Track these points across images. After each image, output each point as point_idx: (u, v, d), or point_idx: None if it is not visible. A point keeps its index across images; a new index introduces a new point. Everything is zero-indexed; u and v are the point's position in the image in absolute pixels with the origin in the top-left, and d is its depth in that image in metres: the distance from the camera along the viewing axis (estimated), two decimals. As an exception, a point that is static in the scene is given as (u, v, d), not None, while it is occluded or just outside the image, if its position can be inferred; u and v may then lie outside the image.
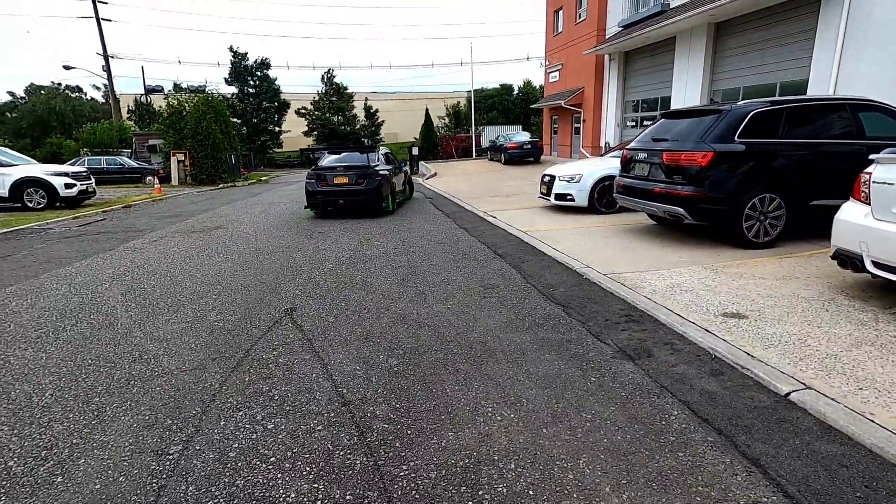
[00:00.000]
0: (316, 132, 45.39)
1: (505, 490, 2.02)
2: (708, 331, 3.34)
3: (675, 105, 15.57)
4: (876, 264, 3.50)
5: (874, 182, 3.56)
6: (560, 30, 24.20)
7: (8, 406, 2.79)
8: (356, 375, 3.05)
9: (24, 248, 7.64)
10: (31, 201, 12.56)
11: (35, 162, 14.09)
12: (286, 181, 25.35)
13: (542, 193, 9.50)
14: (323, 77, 44.45)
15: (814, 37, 10.87)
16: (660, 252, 5.66)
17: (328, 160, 10.65)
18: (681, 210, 5.58)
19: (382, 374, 3.05)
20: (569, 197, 8.70)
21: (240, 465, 2.22)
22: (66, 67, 34.31)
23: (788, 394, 2.54)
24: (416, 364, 3.18)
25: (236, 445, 2.36)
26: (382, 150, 11.76)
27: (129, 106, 41.51)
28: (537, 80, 48.04)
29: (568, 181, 8.69)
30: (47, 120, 51.76)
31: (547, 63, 26.09)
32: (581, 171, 8.65)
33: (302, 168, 42.37)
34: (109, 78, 34.39)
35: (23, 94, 66.03)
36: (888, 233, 3.39)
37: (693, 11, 13.36)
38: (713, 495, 1.95)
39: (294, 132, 44.91)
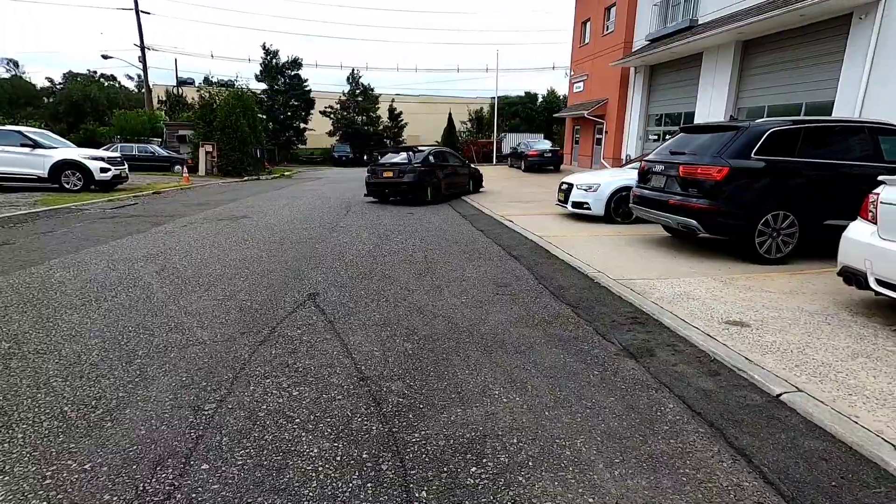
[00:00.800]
0: (340, 132, 46.10)
1: (507, 460, 2.22)
2: (710, 335, 3.49)
3: (699, 121, 15.57)
4: (879, 282, 3.61)
5: (882, 203, 3.68)
6: (587, 41, 24.32)
7: (59, 362, 3.08)
8: (374, 355, 3.27)
9: (63, 227, 8.07)
10: (68, 183, 13.14)
11: (73, 146, 14.70)
12: (309, 177, 25.86)
13: (559, 201, 9.66)
14: (349, 78, 45.10)
15: (842, 59, 10.85)
16: (672, 262, 5.80)
17: (383, 158, 13.07)
18: (694, 223, 5.71)
19: (398, 356, 3.27)
20: (585, 205, 8.85)
21: (268, 423, 2.46)
22: (105, 56, 35.45)
23: (780, 395, 2.69)
24: (430, 349, 3.39)
25: (265, 407, 2.60)
26: (435, 149, 13.60)
27: (159, 96, 42.75)
28: (561, 90, 47.96)
29: (585, 190, 8.84)
30: (82, 106, 53.49)
31: (572, 73, 26.21)
32: (599, 181, 8.80)
33: (323, 165, 43.15)
34: (144, 69, 35.51)
35: (60, 81, 68.36)
36: (892, 252, 3.50)
37: (721, 28, 13.40)
38: (698, 477, 2.12)
39: (318, 130, 45.68)
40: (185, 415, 2.51)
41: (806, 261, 5.79)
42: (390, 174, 12.01)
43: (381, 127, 47.51)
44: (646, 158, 7.00)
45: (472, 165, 15.72)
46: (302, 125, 44.12)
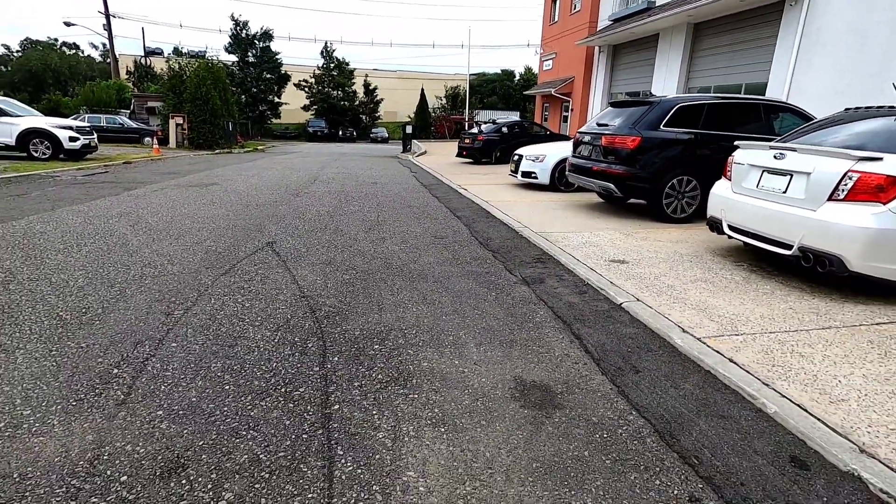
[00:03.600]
0: (316, 106, 45.79)
1: (403, 342, 2.99)
2: (592, 269, 4.32)
3: (653, 99, 16.41)
4: (730, 227, 4.48)
5: (735, 163, 4.53)
6: (556, 19, 24.82)
7: (50, 285, 3.71)
8: (316, 283, 4.00)
9: (37, 190, 8.47)
10: (36, 151, 13.27)
11: (40, 114, 14.74)
12: (282, 151, 26.02)
13: (511, 171, 10.43)
14: (322, 51, 44.62)
15: (775, 44, 11.75)
16: (592, 221, 6.64)
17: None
18: (612, 186, 6.54)
19: (336, 283, 4.01)
20: (533, 175, 9.64)
21: (224, 322, 3.17)
22: (67, 24, 34.28)
23: (622, 303, 3.53)
24: (363, 280, 4.14)
25: (222, 313, 3.32)
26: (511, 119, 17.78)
27: (127, 67, 41.61)
28: (537, 67, 48.46)
29: (533, 160, 9.62)
30: (42, 76, 51.63)
31: (542, 51, 26.75)
32: (545, 153, 9.57)
33: (298, 140, 42.95)
34: (110, 37, 34.55)
35: (18, 48, 65.34)
36: (737, 202, 4.36)
37: (673, 11, 14.16)
38: (540, 350, 2.93)
39: (293, 105, 45.26)
40: (158, 317, 3.20)
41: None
42: (468, 141, 16.68)
43: (356, 102, 47.34)
44: (578, 131, 7.78)
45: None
46: (276, 99, 43.65)
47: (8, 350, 2.69)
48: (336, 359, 2.75)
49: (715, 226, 4.71)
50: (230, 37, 41.42)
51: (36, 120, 13.60)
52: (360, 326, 3.19)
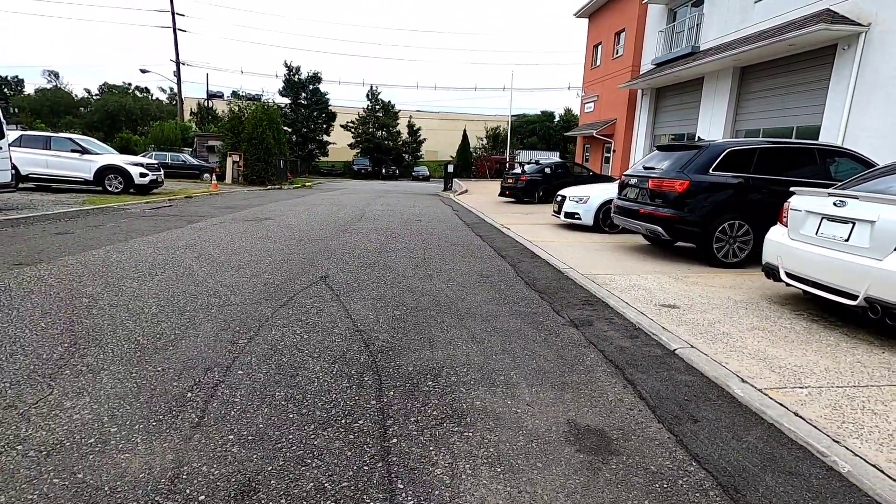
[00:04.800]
0: (361, 145, 47.77)
1: (455, 380, 3.05)
2: (642, 313, 4.27)
3: (699, 142, 16.26)
4: (788, 275, 4.35)
5: (791, 209, 4.44)
6: (598, 63, 25.26)
7: (128, 311, 4.02)
8: (368, 317, 4.14)
9: (111, 222, 9.19)
10: (110, 185, 14.43)
11: (116, 152, 16.09)
12: (329, 187, 27.14)
13: (554, 212, 10.48)
14: (368, 94, 46.82)
15: (827, 87, 11.54)
16: (639, 264, 6.56)
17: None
18: (659, 228, 6.49)
19: (388, 318, 4.13)
20: (577, 216, 9.66)
21: (285, 352, 3.33)
22: (143, 71, 37.75)
23: (675, 349, 3.47)
24: (413, 315, 4.25)
25: (283, 343, 3.49)
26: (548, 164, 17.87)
27: (191, 108, 45.01)
28: (577, 109, 49.01)
29: (577, 201, 9.66)
30: (117, 116, 56.41)
31: (583, 94, 27.14)
32: (589, 194, 9.61)
33: (343, 177, 44.69)
34: (179, 83, 37.60)
35: (97, 92, 71.95)
36: (796, 249, 4.26)
37: (719, 55, 14.19)
38: (593, 394, 2.92)
39: (340, 143, 47.41)
40: (224, 345, 3.40)
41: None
42: (511, 181, 17.18)
43: (400, 142, 49.05)
44: (624, 173, 7.81)
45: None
46: (324, 138, 45.86)
47: (95, 371, 2.93)
48: (392, 393, 2.83)
49: (771, 273, 4.58)
50: (283, 81, 44.27)
51: (112, 157, 14.85)
52: (412, 362, 3.27)
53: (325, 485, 2.01)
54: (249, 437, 2.32)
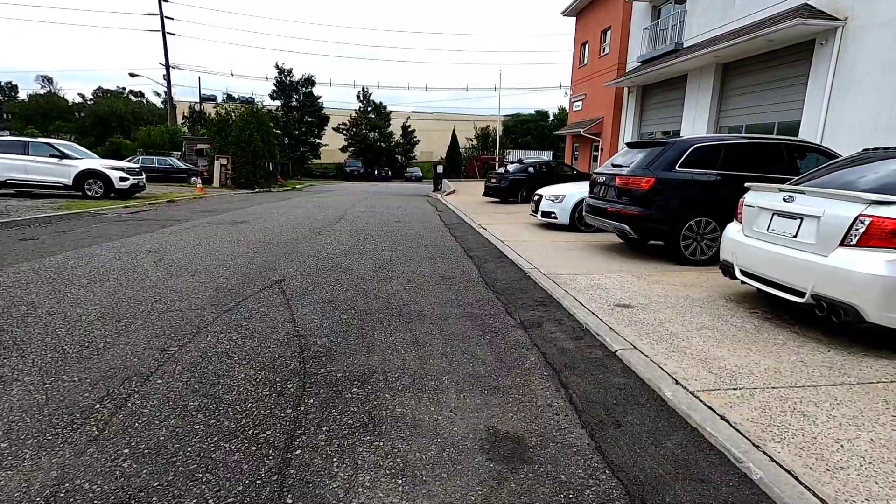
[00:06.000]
0: (353, 147, 47.65)
1: (383, 386, 2.96)
2: (594, 313, 4.18)
3: (683, 139, 16.19)
4: (742, 272, 4.27)
5: (745, 205, 4.36)
6: (585, 62, 25.21)
7: (64, 319, 3.91)
8: (313, 322, 4.05)
9: (82, 227, 9.07)
10: (90, 190, 14.31)
11: (96, 157, 15.95)
12: (318, 190, 27.02)
13: (532, 211, 10.40)
14: (358, 95, 46.70)
15: (807, 82, 11.48)
16: (606, 263, 6.48)
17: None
18: (626, 227, 6.41)
19: (333, 322, 4.04)
20: (553, 215, 9.57)
21: (213, 359, 3.24)
22: (132, 75, 37.50)
23: (616, 350, 3.38)
24: (360, 319, 4.16)
25: (214, 350, 3.39)
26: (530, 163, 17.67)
27: (184, 112, 44.88)
28: (569, 108, 49.09)
29: (552, 200, 9.58)
30: (108, 120, 56.20)
31: (571, 93, 27.09)
32: (565, 192, 9.53)
33: (336, 179, 44.57)
34: (169, 86, 37.46)
35: (91, 97, 71.74)
36: (749, 246, 4.18)
37: (701, 52, 14.13)
38: (522, 399, 2.83)
39: (332, 146, 47.28)
40: (153, 353, 3.31)
41: (730, 263, 6.42)
42: (495, 180, 17.07)
43: (392, 143, 48.94)
44: (595, 171, 7.73)
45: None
46: (316, 141, 45.69)
47: (6, 382, 2.83)
48: (311, 401, 2.74)
49: (728, 270, 4.50)
50: (275, 83, 44.06)
51: (91, 162, 14.72)
52: (344, 368, 3.18)
53: (210, 501, 1.92)
54: (146, 451, 2.23)
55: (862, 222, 3.24)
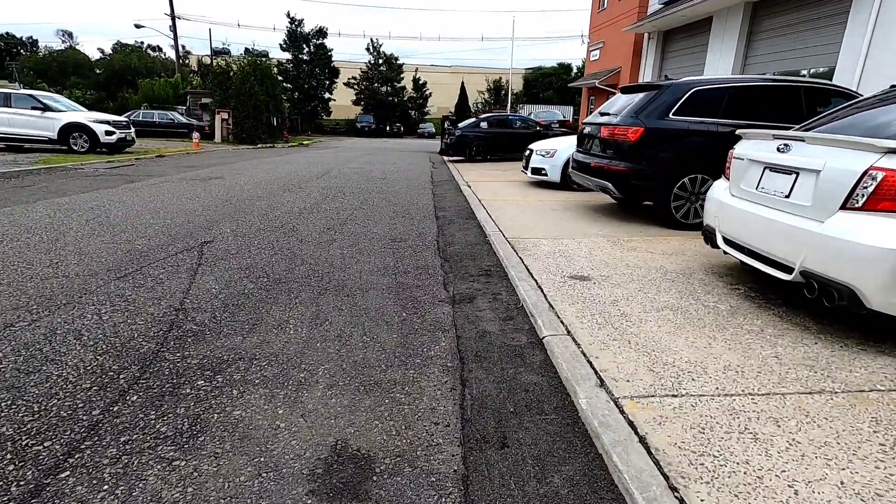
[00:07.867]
0: (364, 102, 46.23)
1: (238, 378, 2.40)
2: (540, 287, 3.52)
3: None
4: (725, 240, 3.52)
5: (734, 157, 3.55)
6: (605, 6, 23.23)
7: (-70, 286, 3.45)
8: (210, 292, 3.49)
9: (44, 182, 8.65)
10: (75, 144, 13.90)
11: (82, 109, 15.47)
12: (325, 146, 26.25)
13: (523, 167, 9.55)
14: (368, 46, 44.79)
15: (846, 22, 10.04)
16: (586, 226, 5.72)
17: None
18: (610, 185, 5.60)
19: (231, 294, 3.48)
20: (543, 172, 8.73)
21: (58, 339, 2.71)
22: (137, 26, 36.50)
23: (544, 337, 2.74)
24: (266, 290, 3.58)
25: (67, 327, 2.86)
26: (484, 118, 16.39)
27: (192, 66, 43.93)
28: (587, 58, 46.52)
29: (543, 156, 8.71)
30: (122, 75, 55.71)
31: (589, 41, 25.20)
32: (556, 147, 8.64)
33: (347, 135, 43.53)
34: (175, 37, 36.41)
35: (110, 51, 71.13)
36: (733, 208, 3.40)
37: (728, -12, 12.58)
38: (402, 399, 2.24)
39: (342, 101, 45.94)
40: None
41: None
42: (447, 137, 16.59)
43: (405, 97, 47.28)
44: (583, 121, 6.83)
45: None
46: (327, 95, 44.37)
47: None
48: (135, 398, 2.20)
49: (709, 237, 3.74)
50: (286, 34, 42.45)
51: (75, 115, 14.23)
52: (206, 353, 2.63)
53: None
54: None
55: (872, 177, 2.44)
